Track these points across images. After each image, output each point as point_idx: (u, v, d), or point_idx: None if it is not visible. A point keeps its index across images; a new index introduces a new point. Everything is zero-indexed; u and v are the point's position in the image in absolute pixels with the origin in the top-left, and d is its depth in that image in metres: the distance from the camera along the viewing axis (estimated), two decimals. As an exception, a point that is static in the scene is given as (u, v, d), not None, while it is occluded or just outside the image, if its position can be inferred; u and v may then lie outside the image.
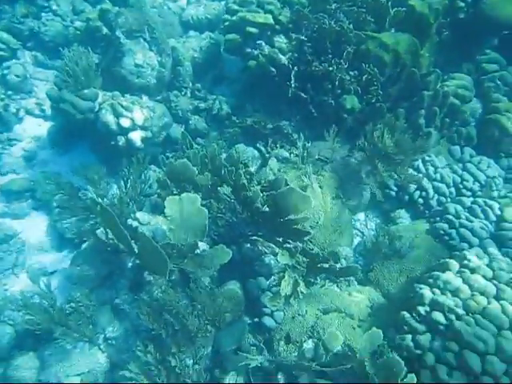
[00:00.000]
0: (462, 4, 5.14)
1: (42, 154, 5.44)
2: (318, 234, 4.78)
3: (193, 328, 3.85)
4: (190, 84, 5.62)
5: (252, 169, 4.90)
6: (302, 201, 3.54)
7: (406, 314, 3.55)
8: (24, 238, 4.95)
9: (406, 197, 4.89)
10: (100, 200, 3.83)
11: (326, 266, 3.80)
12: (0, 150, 5.34)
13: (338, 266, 3.85)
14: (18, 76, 5.44)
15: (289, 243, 3.98)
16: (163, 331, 3.88)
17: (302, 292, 3.77)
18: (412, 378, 3.04)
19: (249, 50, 5.08)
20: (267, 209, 3.77)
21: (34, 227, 5.01)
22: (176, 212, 3.80)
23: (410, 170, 4.71)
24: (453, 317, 3.23)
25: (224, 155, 4.89)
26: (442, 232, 4.45)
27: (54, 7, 5.84)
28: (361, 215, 5.16)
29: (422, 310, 3.45)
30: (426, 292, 3.51)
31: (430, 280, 3.63)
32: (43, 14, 5.90)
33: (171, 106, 5.39)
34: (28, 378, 3.86)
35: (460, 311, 3.23)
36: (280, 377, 3.84)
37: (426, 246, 4.50)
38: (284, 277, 3.69)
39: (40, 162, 5.40)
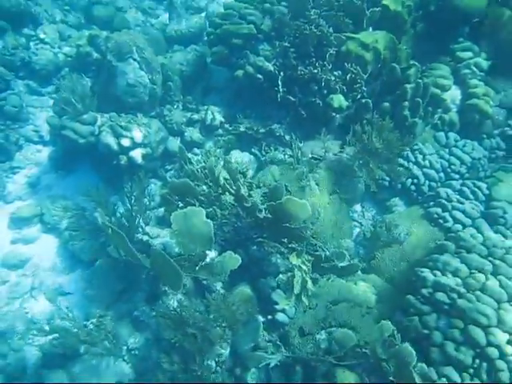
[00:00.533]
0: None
1: (45, 179, 5.61)
2: (320, 229, 5.01)
3: (211, 333, 4.05)
4: (181, 97, 5.81)
5: (250, 173, 5.11)
6: (301, 209, 3.78)
7: (411, 297, 3.79)
8: (37, 261, 5.13)
9: (399, 185, 5.14)
10: (109, 223, 4.00)
11: (329, 265, 4.02)
12: (4, 178, 5.51)
13: (340, 264, 4.05)
14: (15, 106, 5.60)
15: (293, 243, 4.20)
16: (183, 339, 4.08)
17: (310, 289, 3.99)
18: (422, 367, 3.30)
19: (235, 60, 5.28)
20: (269, 215, 3.98)
21: (45, 250, 5.18)
22: (182, 225, 3.99)
23: (399, 167, 4.96)
24: (455, 295, 3.47)
25: (221, 163, 5.12)
26: (436, 216, 4.70)
27: (42, 35, 6.00)
28: (357, 207, 5.39)
29: (425, 292, 3.68)
30: (428, 275, 3.75)
31: (430, 263, 3.87)
32: (32, 44, 6.04)
33: (166, 120, 5.58)
34: (61, 395, 4.05)
35: (461, 289, 3.47)
36: (298, 369, 4.06)
37: (423, 231, 4.74)
38: (294, 276, 3.91)
39: (44, 187, 5.57)
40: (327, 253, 4.75)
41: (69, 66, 5.90)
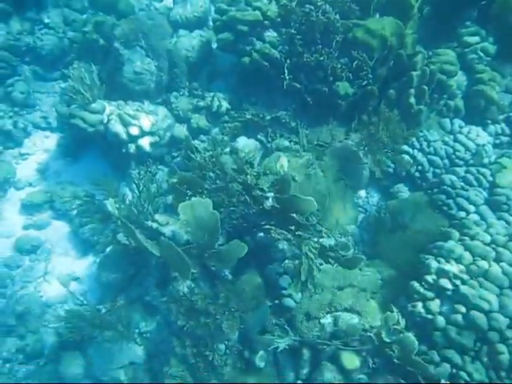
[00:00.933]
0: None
1: (54, 165, 5.69)
2: (325, 216, 5.11)
3: (221, 318, 4.19)
4: (187, 83, 5.82)
5: (256, 161, 5.17)
6: (306, 204, 3.87)
7: (415, 283, 3.91)
8: (49, 246, 5.25)
9: (404, 172, 5.20)
10: (118, 215, 4.09)
11: (334, 255, 4.13)
12: (14, 165, 5.59)
13: (344, 255, 4.16)
14: (22, 92, 5.63)
15: (300, 230, 4.30)
16: (194, 325, 4.22)
17: (316, 276, 4.11)
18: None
19: (241, 46, 5.27)
20: (276, 205, 4.07)
21: (57, 236, 5.30)
22: (190, 216, 4.09)
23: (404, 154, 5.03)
24: (458, 282, 3.58)
25: (228, 149, 5.18)
26: (440, 203, 4.77)
27: (46, 20, 5.96)
28: (362, 193, 5.47)
29: (429, 278, 3.80)
30: (432, 262, 3.86)
31: (435, 250, 3.97)
32: (36, 28, 6.02)
33: (172, 107, 5.61)
34: (77, 374, 4.24)
35: (464, 276, 3.59)
36: (305, 351, 4.22)
37: (427, 217, 4.82)
38: (301, 264, 4.02)
39: (53, 173, 5.65)
40: (332, 241, 4.88)
41: (75, 53, 5.89)
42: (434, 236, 4.50)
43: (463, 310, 3.50)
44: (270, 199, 4.23)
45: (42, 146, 5.79)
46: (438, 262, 3.84)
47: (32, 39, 5.89)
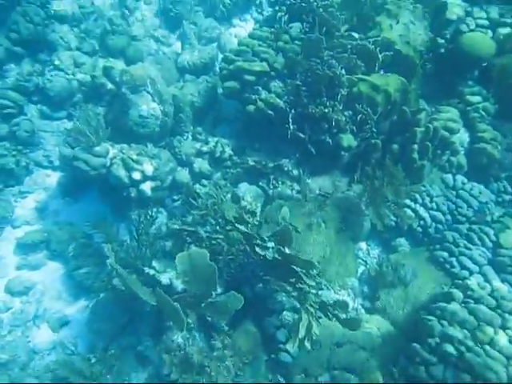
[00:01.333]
0: (442, 41, 5.47)
1: (53, 204, 5.64)
2: (326, 268, 5.03)
3: (215, 373, 4.05)
4: (192, 128, 5.87)
5: (258, 209, 5.13)
6: (307, 264, 3.87)
7: (418, 346, 3.78)
8: (42, 288, 5.12)
9: (405, 226, 5.16)
10: (115, 264, 4.03)
11: (335, 313, 4.04)
12: (13, 203, 5.54)
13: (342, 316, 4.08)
14: (26, 131, 5.66)
15: (300, 284, 4.21)
16: (187, 378, 4.07)
17: (315, 333, 3.99)
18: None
19: (247, 95, 5.34)
20: (278, 257, 4.01)
21: (50, 277, 5.18)
22: (187, 266, 4.06)
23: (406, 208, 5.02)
24: (463, 348, 3.47)
25: (229, 196, 5.15)
26: (442, 260, 4.71)
27: (57, 62, 6.08)
28: (363, 245, 5.40)
29: (432, 341, 3.68)
30: (435, 324, 3.75)
31: (438, 311, 3.87)
32: (47, 70, 6.13)
33: (175, 151, 5.63)
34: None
35: (469, 342, 3.47)
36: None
37: (429, 274, 4.76)
38: (300, 319, 3.91)
39: (52, 213, 5.59)
40: (332, 293, 4.80)
41: (82, 94, 5.98)
42: (436, 294, 4.42)
43: (468, 378, 3.37)
44: (271, 249, 4.18)
45: (43, 184, 5.77)
46: (442, 325, 3.73)
47: (42, 80, 5.99)
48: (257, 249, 4.05)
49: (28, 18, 6.19)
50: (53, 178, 5.83)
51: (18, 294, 5.03)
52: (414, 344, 3.83)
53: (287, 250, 3.92)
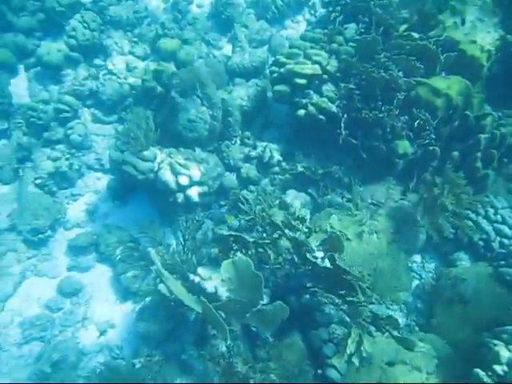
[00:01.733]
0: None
1: (102, 207, 5.73)
2: (377, 280, 4.77)
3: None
4: (240, 132, 5.78)
5: (307, 216, 4.96)
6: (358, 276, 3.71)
7: (481, 372, 3.47)
8: (91, 290, 5.20)
9: (466, 239, 4.80)
10: (162, 269, 4.00)
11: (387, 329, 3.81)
12: (65, 205, 5.68)
13: (396, 333, 3.83)
14: (80, 135, 5.79)
15: (350, 296, 4.00)
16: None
17: (365, 350, 3.76)
18: None
19: (297, 99, 5.18)
20: (329, 265, 3.82)
21: (99, 280, 5.25)
22: (233, 274, 3.94)
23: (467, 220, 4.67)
24: (532, 380, 3.14)
25: (277, 202, 5.01)
26: (508, 278, 4.33)
27: (110, 66, 6.21)
28: (417, 257, 5.10)
29: (499, 369, 3.36)
30: (502, 349, 3.43)
31: (505, 336, 3.54)
32: (101, 74, 6.28)
33: (223, 155, 5.57)
34: None
35: (540, 373, 3.14)
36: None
37: (492, 292, 4.39)
38: (350, 334, 3.71)
39: (101, 215, 5.68)
40: (383, 308, 4.54)
41: (133, 98, 6.05)
42: (500, 315, 4.06)
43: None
44: (320, 259, 4.00)
45: (94, 187, 5.88)
46: (509, 350, 3.40)
47: (95, 84, 6.13)
48: (307, 255, 3.88)
49: (85, 24, 6.37)
50: (103, 181, 5.93)
51: (68, 295, 5.13)
52: (478, 370, 3.51)
53: (337, 258, 3.71)
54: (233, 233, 4.50)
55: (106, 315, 5.00)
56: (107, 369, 4.18)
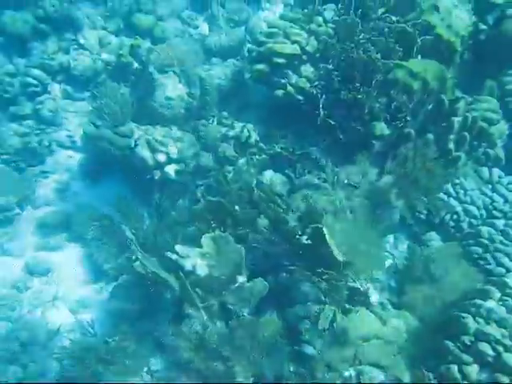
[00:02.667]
0: (484, 27, 5.21)
1: (74, 186, 5.58)
2: (351, 259, 4.85)
3: (234, 361, 3.93)
4: (217, 112, 5.72)
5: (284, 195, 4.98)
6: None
7: (450, 343, 3.60)
8: (61, 269, 5.05)
9: (437, 219, 4.94)
10: (137, 248, 3.94)
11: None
12: (34, 183, 5.48)
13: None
14: (50, 111, 5.59)
15: (327, 274, 4.06)
16: (202, 363, 3.97)
17: (339, 326, 3.85)
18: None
19: (276, 79, 5.16)
20: (309, 241, 3.86)
21: (70, 259, 5.12)
22: (213, 249, 3.93)
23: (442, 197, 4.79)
24: (501, 348, 3.28)
25: (254, 181, 5.01)
26: (476, 255, 4.50)
27: (82, 41, 6.00)
28: (390, 238, 5.21)
29: (466, 339, 3.49)
30: (470, 321, 3.56)
31: (473, 309, 3.67)
32: (72, 48, 6.04)
33: (200, 134, 5.49)
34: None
35: (508, 342, 3.28)
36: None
37: (461, 270, 4.54)
38: (323, 310, 3.78)
39: (72, 194, 5.52)
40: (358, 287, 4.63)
41: (107, 74, 5.88)
42: (470, 291, 4.21)
43: (506, 380, 3.18)
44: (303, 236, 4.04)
45: (65, 165, 5.70)
46: (477, 322, 3.54)
47: (66, 59, 5.90)
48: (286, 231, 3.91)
49: (54, -7, 6.08)
50: (75, 158, 5.76)
51: (37, 275, 4.99)
52: (447, 341, 3.64)
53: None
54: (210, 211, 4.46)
55: (77, 295, 4.89)
56: (79, 347, 4.09)
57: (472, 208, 4.82)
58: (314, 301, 4.36)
